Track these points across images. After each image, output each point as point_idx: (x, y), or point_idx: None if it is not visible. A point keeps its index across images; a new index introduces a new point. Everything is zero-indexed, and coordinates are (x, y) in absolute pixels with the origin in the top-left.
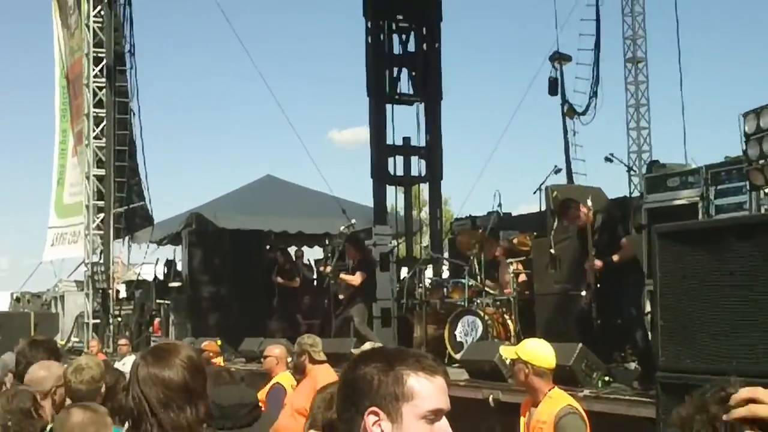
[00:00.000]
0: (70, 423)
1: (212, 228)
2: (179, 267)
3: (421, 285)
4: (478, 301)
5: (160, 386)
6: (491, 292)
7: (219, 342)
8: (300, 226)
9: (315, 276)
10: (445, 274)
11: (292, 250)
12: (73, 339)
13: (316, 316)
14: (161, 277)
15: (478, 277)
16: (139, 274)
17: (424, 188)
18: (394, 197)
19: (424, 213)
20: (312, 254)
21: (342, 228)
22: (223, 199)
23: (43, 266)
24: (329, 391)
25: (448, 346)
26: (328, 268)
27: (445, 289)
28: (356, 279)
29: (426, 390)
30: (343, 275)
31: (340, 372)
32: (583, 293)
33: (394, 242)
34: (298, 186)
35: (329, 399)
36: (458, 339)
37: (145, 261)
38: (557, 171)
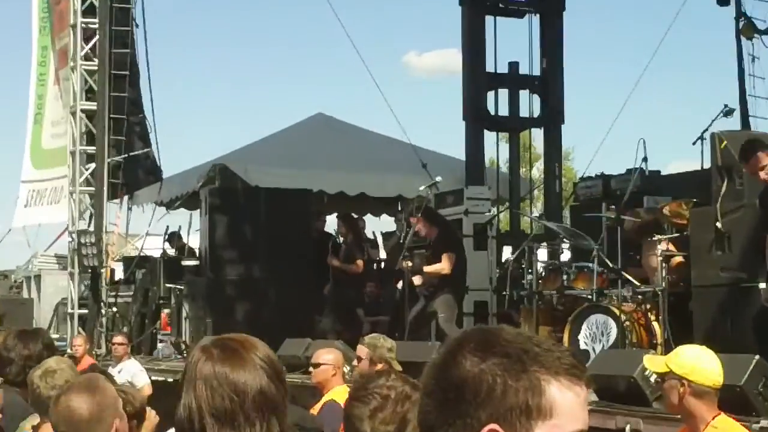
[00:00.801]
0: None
1: (242, 186)
2: (196, 240)
3: (531, 270)
4: (612, 293)
5: (230, 391)
6: (632, 281)
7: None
8: (363, 186)
9: (383, 256)
10: (565, 256)
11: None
12: (51, 335)
13: (382, 311)
14: (172, 253)
15: (613, 261)
16: (141, 249)
17: (538, 135)
18: (495, 147)
19: (537, 170)
20: (378, 225)
21: (421, 189)
22: (257, 147)
23: (13, 235)
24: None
25: None
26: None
27: (565, 277)
28: (445, 266)
29: (570, 404)
30: (427, 268)
31: (428, 366)
32: (763, 286)
33: (494, 210)
34: (361, 129)
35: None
36: (582, 346)
37: (150, 231)
38: (727, 113)
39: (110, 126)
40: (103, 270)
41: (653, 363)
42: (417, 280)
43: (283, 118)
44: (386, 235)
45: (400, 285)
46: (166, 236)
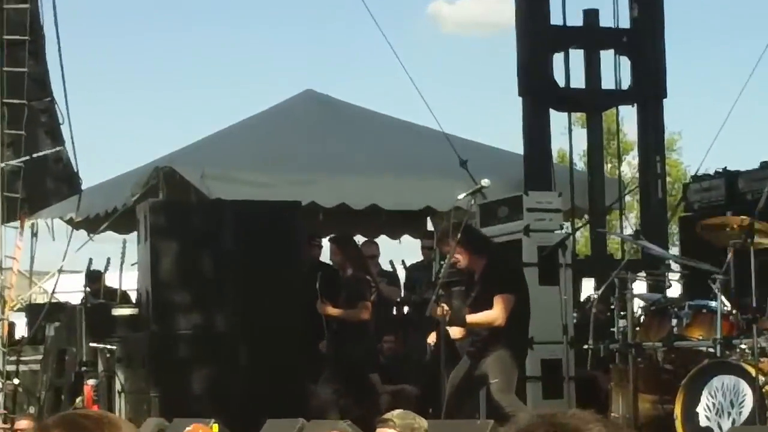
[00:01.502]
0: None
1: (198, 198)
2: (132, 278)
3: (624, 313)
4: (745, 345)
5: None
6: None
7: (215, 427)
8: (374, 195)
9: (406, 296)
10: (674, 291)
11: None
12: None
13: (407, 377)
14: (97, 299)
15: (745, 298)
16: (53, 293)
17: (628, 116)
18: (568, 135)
19: (629, 166)
20: (397, 251)
21: (460, 198)
22: (217, 142)
23: None
24: None
25: None
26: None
27: (674, 322)
28: (498, 314)
29: None
30: (471, 317)
31: None
32: None
33: (568, 226)
34: (371, 113)
35: None
36: (703, 422)
37: (65, 267)
38: None
39: (3, 115)
40: None
41: None
42: (456, 332)
43: (257, 100)
44: (411, 268)
45: (432, 339)
46: (89, 273)
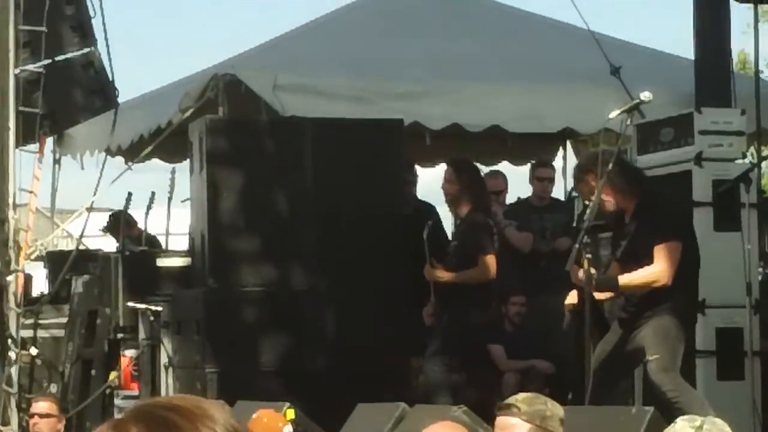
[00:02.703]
0: None
1: (269, 116)
2: (184, 219)
3: None
4: None
5: None
6: None
7: (290, 413)
8: (495, 113)
9: (544, 247)
10: None
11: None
12: None
13: (539, 350)
14: (138, 246)
15: None
16: (81, 236)
17: None
18: (754, 32)
19: None
20: (525, 185)
21: (612, 116)
22: (294, 41)
23: None
24: None
25: None
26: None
27: None
28: (662, 270)
29: None
30: (625, 278)
31: None
32: None
33: (752, 155)
34: (490, 2)
35: None
36: None
37: (97, 204)
38: None
39: (17, 3)
40: (10, 278)
41: None
42: (603, 295)
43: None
44: (517, 206)
45: (572, 301)
46: (125, 213)
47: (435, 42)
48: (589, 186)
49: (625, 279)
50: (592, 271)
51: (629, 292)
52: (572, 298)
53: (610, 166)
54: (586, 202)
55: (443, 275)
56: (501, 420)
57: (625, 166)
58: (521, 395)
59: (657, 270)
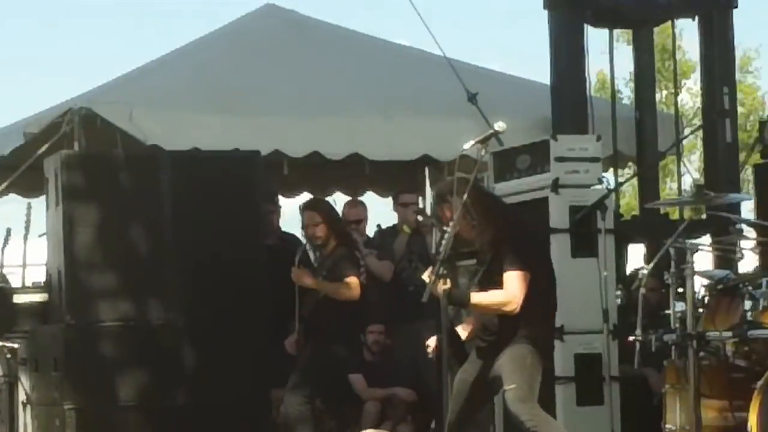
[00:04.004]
0: None
1: (127, 150)
2: (40, 253)
3: (683, 292)
4: None
5: None
6: None
7: None
8: (356, 142)
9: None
10: (748, 264)
11: (333, 203)
12: None
13: (400, 378)
14: None
15: None
16: None
17: (687, 29)
18: (609, 58)
19: (689, 95)
20: (387, 215)
21: (468, 146)
22: (150, 74)
23: None
24: None
25: None
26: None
27: (749, 305)
28: (510, 295)
29: None
30: (477, 297)
31: None
32: None
33: (609, 179)
34: (350, 33)
35: None
36: None
37: None
38: None
39: None
40: None
41: None
42: (462, 330)
43: (203, 19)
44: (384, 233)
45: (432, 343)
46: None
47: (294, 71)
48: (445, 214)
49: (477, 298)
50: (446, 290)
51: (485, 318)
52: (432, 341)
53: (466, 195)
54: (444, 229)
55: (309, 280)
56: None
57: (482, 194)
58: (369, 431)
59: (505, 294)
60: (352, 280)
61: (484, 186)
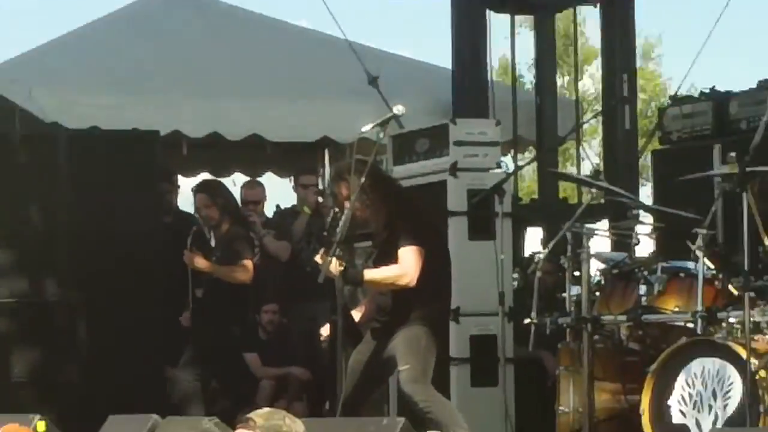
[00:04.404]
0: None
1: (23, 126)
2: None
3: (579, 275)
4: (733, 319)
5: None
6: None
7: (41, 425)
8: (254, 122)
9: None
10: (644, 249)
11: (232, 184)
12: None
13: (295, 358)
14: None
15: (736, 257)
16: None
17: (590, 17)
18: (510, 43)
19: (592, 81)
20: (287, 195)
21: (366, 128)
22: (49, 52)
23: None
24: None
25: None
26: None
27: (643, 289)
28: (405, 270)
29: None
30: (369, 273)
31: None
32: None
33: (508, 163)
34: (250, 14)
35: None
36: (677, 418)
37: None
38: None
39: None
40: None
41: None
42: (357, 312)
43: (103, 0)
44: (282, 214)
45: (326, 331)
46: None
47: (194, 52)
48: (342, 192)
49: (371, 274)
50: (341, 270)
51: (377, 288)
52: (326, 329)
53: (364, 177)
54: (336, 210)
55: (201, 263)
56: None
57: (379, 176)
58: (261, 410)
59: (400, 268)
60: (245, 264)
61: (383, 169)
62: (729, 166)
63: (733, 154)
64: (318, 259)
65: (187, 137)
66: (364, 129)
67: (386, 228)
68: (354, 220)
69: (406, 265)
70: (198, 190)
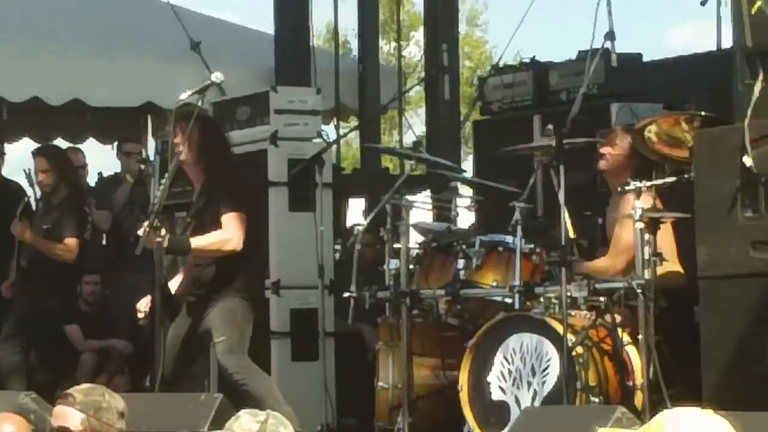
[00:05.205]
0: None
1: None
2: None
3: (398, 245)
4: (551, 293)
5: None
6: (588, 270)
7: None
8: (76, 88)
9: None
10: (464, 221)
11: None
12: None
13: (116, 330)
14: None
15: (553, 230)
16: None
17: None
18: (333, 7)
19: (417, 47)
20: (109, 162)
21: (186, 95)
22: None
23: None
24: None
25: (468, 412)
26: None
27: (462, 262)
28: (230, 235)
29: None
30: (196, 240)
31: None
32: None
33: (329, 133)
34: None
35: None
36: (496, 394)
37: None
38: None
39: None
40: None
41: None
42: (173, 283)
43: None
44: (106, 182)
45: (144, 305)
46: None
47: (9, 9)
48: (177, 134)
49: (197, 242)
50: (160, 240)
51: (199, 257)
52: (144, 302)
53: (194, 120)
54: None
55: (28, 236)
56: (57, 409)
57: (213, 129)
58: (81, 386)
59: (226, 233)
60: (70, 242)
61: (219, 125)
62: (546, 138)
63: (550, 126)
64: (140, 233)
65: (7, 101)
66: (182, 96)
67: (202, 195)
68: (179, 173)
69: (231, 231)
70: (36, 153)
